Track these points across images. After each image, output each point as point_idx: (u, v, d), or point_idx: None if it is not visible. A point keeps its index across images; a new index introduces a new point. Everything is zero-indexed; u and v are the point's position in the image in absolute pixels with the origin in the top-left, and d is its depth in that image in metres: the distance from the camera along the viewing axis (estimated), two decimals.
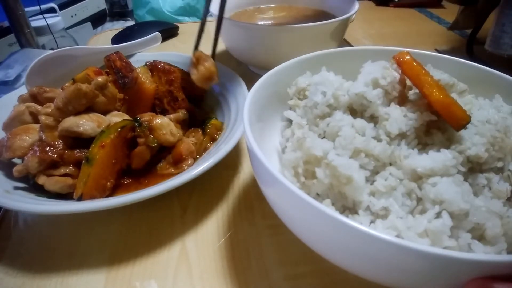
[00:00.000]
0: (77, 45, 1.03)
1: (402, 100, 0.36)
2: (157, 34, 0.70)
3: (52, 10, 1.28)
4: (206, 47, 0.84)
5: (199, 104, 0.58)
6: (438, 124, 0.34)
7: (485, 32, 0.75)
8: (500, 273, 0.22)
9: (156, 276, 0.36)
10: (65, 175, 0.40)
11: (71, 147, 0.41)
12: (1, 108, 0.49)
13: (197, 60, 0.50)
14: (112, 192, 0.41)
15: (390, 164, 0.32)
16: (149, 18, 1.42)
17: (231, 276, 0.36)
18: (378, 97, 0.36)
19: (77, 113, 0.43)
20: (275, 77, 0.41)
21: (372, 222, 0.30)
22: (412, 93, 0.39)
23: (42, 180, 0.40)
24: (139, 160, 0.43)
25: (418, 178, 0.30)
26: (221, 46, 0.83)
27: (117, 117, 0.45)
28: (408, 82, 0.40)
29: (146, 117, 0.44)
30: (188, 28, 0.97)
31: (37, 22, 1.14)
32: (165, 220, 0.42)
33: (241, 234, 0.40)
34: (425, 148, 0.33)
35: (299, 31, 0.58)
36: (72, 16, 1.67)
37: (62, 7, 1.49)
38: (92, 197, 0.39)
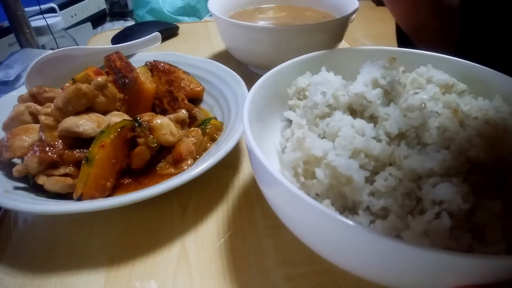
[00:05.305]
0: (77, 45, 1.03)
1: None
2: (157, 34, 0.70)
3: (52, 10, 1.28)
4: (205, 47, 0.85)
5: (199, 104, 0.58)
6: (438, 124, 0.34)
7: None
8: (499, 274, 0.22)
9: (156, 276, 0.36)
10: (65, 175, 0.40)
11: (71, 147, 0.41)
12: (1, 108, 0.49)
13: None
14: (112, 192, 0.41)
15: (390, 164, 0.32)
16: (149, 18, 1.42)
17: (231, 276, 0.36)
18: (377, 97, 0.36)
19: (77, 113, 0.43)
20: (275, 77, 0.41)
21: (372, 222, 0.30)
22: (412, 93, 0.40)
23: (42, 180, 0.40)
24: (139, 160, 0.43)
25: (417, 178, 0.30)
26: (221, 46, 0.83)
27: (117, 117, 0.45)
28: (408, 82, 0.40)
29: (146, 117, 0.44)
30: (188, 28, 0.97)
31: (37, 22, 1.14)
32: (165, 220, 0.42)
33: (241, 234, 0.40)
34: (425, 148, 0.33)
35: (299, 31, 0.58)
36: (72, 16, 1.67)
37: (62, 7, 1.48)
38: (92, 197, 0.39)
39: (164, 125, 0.44)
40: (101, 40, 0.92)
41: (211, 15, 1.15)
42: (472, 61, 0.42)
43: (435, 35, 0.37)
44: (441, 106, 0.36)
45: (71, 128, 0.41)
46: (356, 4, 0.64)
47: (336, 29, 0.61)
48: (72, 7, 1.67)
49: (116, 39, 0.86)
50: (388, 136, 0.33)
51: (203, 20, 1.24)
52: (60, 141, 0.41)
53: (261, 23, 0.70)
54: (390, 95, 0.37)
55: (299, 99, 0.42)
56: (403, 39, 0.64)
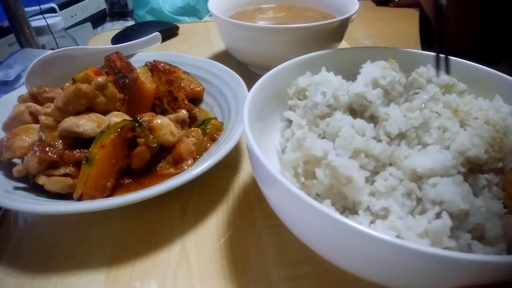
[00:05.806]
0: (77, 45, 1.03)
1: None
2: (157, 34, 0.70)
3: (52, 10, 1.28)
4: (205, 47, 0.85)
5: (199, 104, 0.58)
6: (439, 124, 0.34)
7: None
8: (499, 274, 0.22)
9: (156, 276, 0.36)
10: (65, 175, 0.40)
11: (71, 147, 0.41)
12: (1, 108, 0.49)
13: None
14: (112, 192, 0.41)
15: (390, 165, 0.32)
16: (149, 18, 1.42)
17: (231, 276, 0.36)
18: (378, 97, 0.36)
19: (77, 113, 0.43)
20: (275, 77, 0.41)
21: (372, 222, 0.30)
22: (412, 93, 0.40)
23: (42, 180, 0.40)
24: (139, 160, 0.43)
25: (418, 178, 0.30)
26: (221, 46, 0.83)
27: (117, 117, 0.45)
28: (408, 82, 0.40)
29: (146, 117, 0.44)
30: (188, 28, 0.97)
31: (37, 22, 1.13)
32: (165, 220, 0.42)
33: (241, 234, 0.40)
34: (425, 148, 0.33)
35: (299, 31, 0.58)
36: (72, 16, 1.67)
37: (62, 7, 1.48)
38: (92, 197, 0.39)
39: (164, 125, 0.44)
40: (101, 40, 0.92)
41: (211, 15, 1.15)
42: (481, 63, 0.41)
43: (452, 25, 0.35)
44: (441, 106, 0.36)
45: (71, 128, 0.41)
46: (356, 4, 0.64)
47: (336, 29, 0.61)
48: (72, 7, 1.67)
49: (116, 39, 0.86)
50: (388, 136, 0.34)
51: (203, 20, 1.24)
52: (60, 141, 0.41)
53: (261, 23, 0.70)
54: (390, 95, 0.37)
55: (299, 99, 0.42)
56: (426, 40, 0.63)
